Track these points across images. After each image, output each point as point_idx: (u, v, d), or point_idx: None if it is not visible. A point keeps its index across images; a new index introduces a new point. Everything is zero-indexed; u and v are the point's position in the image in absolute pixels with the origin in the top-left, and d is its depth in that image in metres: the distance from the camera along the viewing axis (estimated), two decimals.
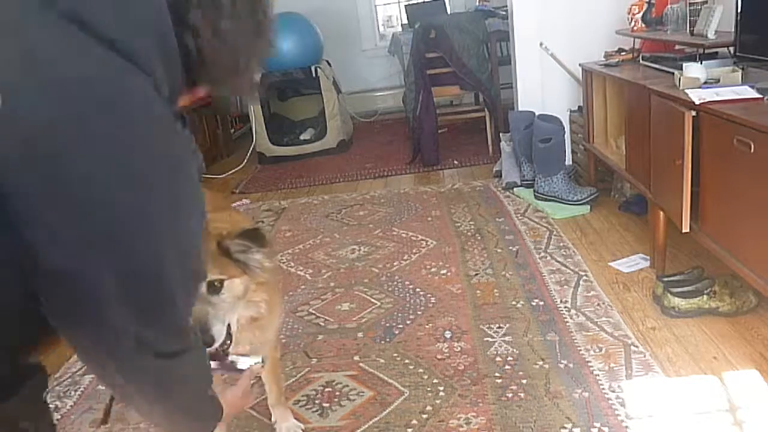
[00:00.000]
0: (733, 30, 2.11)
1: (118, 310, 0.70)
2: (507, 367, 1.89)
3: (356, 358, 2.03)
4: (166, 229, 0.71)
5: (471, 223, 3.14)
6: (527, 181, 3.47)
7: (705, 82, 2.09)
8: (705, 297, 2.01)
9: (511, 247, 2.77)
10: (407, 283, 2.54)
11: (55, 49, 0.64)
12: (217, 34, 0.75)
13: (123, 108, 0.66)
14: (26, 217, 0.63)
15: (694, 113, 1.90)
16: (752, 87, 1.89)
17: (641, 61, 2.81)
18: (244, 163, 4.98)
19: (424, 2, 5.94)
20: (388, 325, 2.22)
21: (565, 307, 2.19)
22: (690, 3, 2.47)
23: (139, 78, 0.68)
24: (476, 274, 2.54)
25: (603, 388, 1.73)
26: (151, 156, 0.69)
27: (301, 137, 5.23)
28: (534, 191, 3.30)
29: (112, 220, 0.66)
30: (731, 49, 2.21)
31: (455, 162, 4.34)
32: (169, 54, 0.73)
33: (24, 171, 0.62)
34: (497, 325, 2.12)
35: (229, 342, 1.26)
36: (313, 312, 2.39)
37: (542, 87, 3.62)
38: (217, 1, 0.75)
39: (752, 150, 1.63)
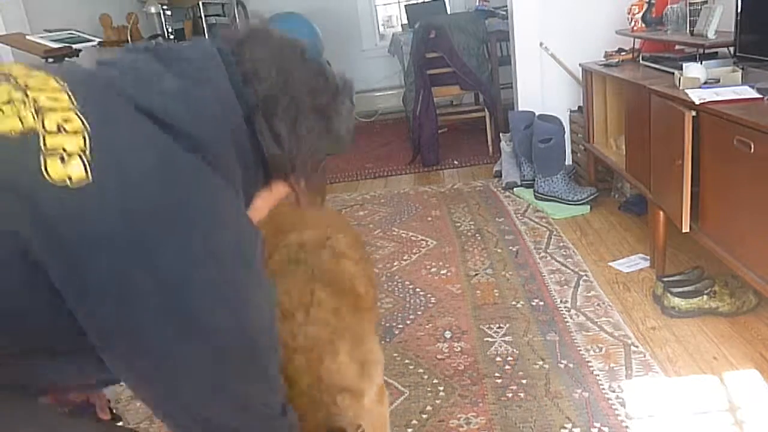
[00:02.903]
0: (733, 30, 2.11)
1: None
2: (507, 367, 1.89)
3: None
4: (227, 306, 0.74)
5: (471, 223, 3.14)
6: (527, 181, 3.48)
7: (705, 82, 2.09)
8: (705, 297, 2.01)
9: (511, 247, 2.77)
10: (407, 283, 2.54)
11: (132, 137, 0.72)
12: (277, 139, 0.82)
13: (189, 190, 0.72)
14: (106, 292, 0.67)
15: (694, 113, 1.89)
16: (752, 87, 1.89)
17: (641, 61, 2.81)
18: None
19: (424, 2, 5.94)
20: (388, 325, 2.21)
21: (565, 307, 2.19)
22: (690, 3, 2.47)
23: (207, 168, 0.74)
24: (476, 274, 2.54)
25: (603, 388, 1.73)
26: (212, 237, 0.73)
27: None
28: (534, 191, 3.30)
29: (186, 301, 0.70)
30: (731, 49, 2.21)
31: (455, 162, 4.34)
32: (240, 149, 0.79)
33: (103, 249, 0.66)
34: (497, 325, 2.12)
35: None
36: None
37: (542, 87, 3.62)
38: (275, 107, 0.81)
39: (752, 150, 1.63)
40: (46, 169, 0.65)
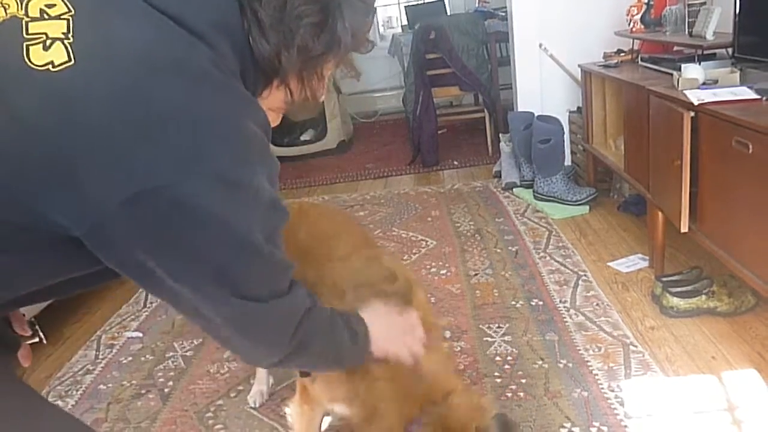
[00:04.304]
0: (731, 31, 2.12)
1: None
2: (506, 366, 1.89)
3: None
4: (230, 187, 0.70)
5: (471, 223, 3.15)
6: (527, 181, 3.48)
7: (703, 83, 2.10)
8: (703, 297, 2.02)
9: (510, 248, 2.78)
10: None
11: (119, 18, 0.68)
12: (261, 28, 0.75)
13: (181, 67, 0.67)
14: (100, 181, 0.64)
15: (692, 114, 1.90)
16: (750, 88, 1.90)
17: (640, 62, 2.82)
18: None
19: (423, 3, 5.95)
20: None
21: (565, 307, 2.20)
22: (688, 4, 2.48)
23: (201, 48, 0.70)
24: (476, 274, 2.55)
25: (602, 388, 1.74)
26: (206, 112, 0.69)
27: (301, 138, 5.23)
28: (533, 191, 3.31)
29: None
30: (729, 50, 2.21)
31: (455, 162, 4.35)
32: (236, 42, 0.74)
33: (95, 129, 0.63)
34: (497, 325, 2.13)
35: None
36: None
37: (541, 88, 3.63)
38: None
39: (750, 150, 1.64)
40: (28, 56, 0.64)
